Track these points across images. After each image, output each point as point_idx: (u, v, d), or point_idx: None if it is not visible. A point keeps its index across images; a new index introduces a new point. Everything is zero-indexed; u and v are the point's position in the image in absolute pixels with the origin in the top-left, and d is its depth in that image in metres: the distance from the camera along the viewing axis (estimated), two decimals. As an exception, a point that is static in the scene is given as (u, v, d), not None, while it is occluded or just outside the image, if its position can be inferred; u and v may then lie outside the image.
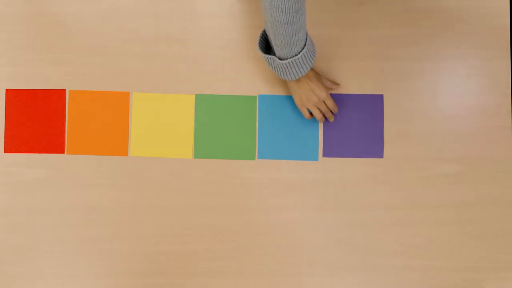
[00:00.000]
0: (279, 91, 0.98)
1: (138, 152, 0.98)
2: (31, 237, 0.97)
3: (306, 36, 0.85)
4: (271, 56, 0.87)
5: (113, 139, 0.98)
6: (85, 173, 0.98)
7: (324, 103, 0.93)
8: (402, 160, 0.97)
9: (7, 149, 0.98)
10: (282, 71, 0.87)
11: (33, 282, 0.97)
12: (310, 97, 0.92)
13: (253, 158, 0.98)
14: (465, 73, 0.98)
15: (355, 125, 0.98)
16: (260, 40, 0.89)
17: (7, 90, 0.98)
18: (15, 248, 0.97)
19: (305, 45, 0.85)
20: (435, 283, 0.96)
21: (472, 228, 0.97)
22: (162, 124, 0.98)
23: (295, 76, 0.87)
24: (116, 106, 0.98)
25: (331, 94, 0.97)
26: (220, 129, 0.98)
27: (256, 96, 0.98)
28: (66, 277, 0.97)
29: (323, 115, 0.95)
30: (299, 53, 0.84)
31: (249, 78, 0.98)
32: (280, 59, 0.86)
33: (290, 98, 0.98)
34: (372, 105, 0.98)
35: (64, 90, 0.98)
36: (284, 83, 0.98)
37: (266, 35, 0.89)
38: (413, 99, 0.98)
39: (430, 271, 0.96)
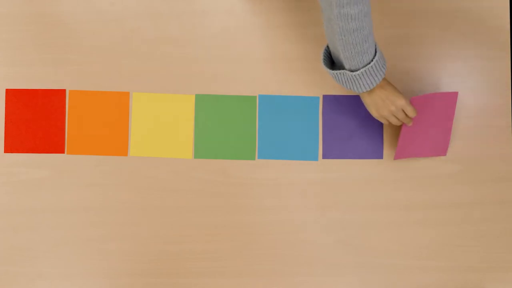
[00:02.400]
0: (279, 91, 0.98)
1: (138, 152, 0.98)
2: (31, 237, 0.97)
3: (375, 42, 0.81)
4: (341, 71, 0.82)
5: (113, 139, 0.98)
6: (85, 173, 0.98)
7: (403, 110, 0.87)
8: (402, 160, 0.97)
9: (7, 149, 0.98)
10: (354, 83, 0.82)
11: (33, 282, 0.97)
12: (387, 106, 0.86)
13: (253, 158, 0.98)
14: (465, 73, 0.98)
15: (354, 126, 0.98)
16: (324, 56, 0.86)
17: (7, 90, 0.98)
18: (15, 248, 0.97)
19: (375, 51, 0.80)
20: (435, 283, 0.96)
21: (472, 228, 0.97)
22: (162, 124, 0.98)
23: (369, 86, 0.82)
24: (116, 106, 0.98)
25: (327, 96, 0.98)
26: (220, 129, 0.98)
27: (256, 96, 0.98)
28: (66, 277, 0.97)
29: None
30: (372, 60, 0.80)
31: (249, 78, 0.98)
32: (351, 71, 0.81)
33: (290, 98, 0.98)
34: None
35: (64, 90, 0.99)
36: (284, 83, 0.98)
37: (329, 50, 0.86)
38: (413, 99, 0.98)
39: (430, 271, 0.96)
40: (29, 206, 0.97)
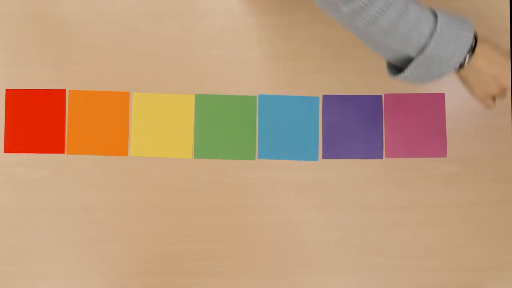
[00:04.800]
0: (279, 91, 0.98)
1: (138, 152, 0.98)
2: (31, 237, 0.97)
3: (425, 8, 0.63)
4: (413, 63, 0.64)
5: (113, 139, 0.98)
6: (85, 173, 0.98)
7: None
8: (402, 160, 0.97)
9: (7, 149, 0.98)
10: (431, 68, 0.63)
11: (32, 282, 0.97)
12: (487, 85, 0.65)
13: (253, 158, 0.98)
14: (465, 73, 0.98)
15: (354, 126, 0.98)
16: (389, 67, 0.72)
17: (7, 90, 0.98)
18: (15, 248, 0.97)
19: (435, 14, 0.63)
20: (435, 283, 0.96)
21: (472, 228, 0.96)
22: (162, 124, 0.98)
23: (459, 55, 0.62)
24: (116, 106, 0.98)
25: (327, 96, 0.98)
26: (220, 129, 0.98)
27: (256, 96, 0.98)
28: (66, 277, 0.97)
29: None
30: (436, 24, 0.62)
31: (249, 78, 0.98)
32: (421, 55, 0.63)
33: (290, 98, 0.98)
34: (372, 106, 0.98)
35: (64, 90, 0.98)
36: (284, 83, 0.98)
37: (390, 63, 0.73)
38: (413, 99, 0.98)
39: (430, 271, 0.96)
40: (29, 206, 0.97)
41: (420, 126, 0.97)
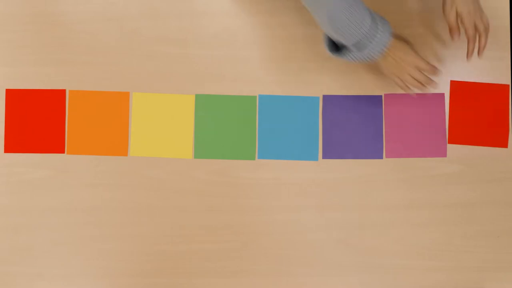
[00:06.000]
0: (279, 91, 0.98)
1: (138, 152, 0.98)
2: (31, 237, 0.97)
3: (367, 8, 0.81)
4: (346, 50, 0.83)
5: (113, 139, 0.98)
6: (85, 173, 0.98)
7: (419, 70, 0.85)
8: (402, 160, 0.97)
9: (7, 149, 0.98)
10: (365, 54, 0.81)
11: (33, 282, 0.97)
12: (401, 67, 0.84)
13: (253, 158, 0.98)
14: (465, 73, 0.98)
15: (354, 126, 0.98)
16: (328, 44, 0.87)
17: (7, 90, 0.98)
18: (15, 248, 0.97)
19: (370, 14, 0.80)
20: (435, 283, 0.96)
21: (472, 228, 0.97)
22: (162, 124, 0.98)
23: (379, 50, 0.81)
24: (116, 106, 0.98)
25: (327, 96, 0.97)
26: (220, 129, 0.98)
27: (256, 96, 0.98)
28: (66, 277, 0.97)
29: (421, 83, 0.86)
30: (369, 25, 0.79)
31: (249, 78, 0.98)
32: (357, 47, 0.81)
33: (290, 98, 0.98)
34: (372, 106, 0.98)
35: (64, 90, 0.99)
36: (284, 83, 0.98)
37: (329, 38, 0.87)
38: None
39: (430, 271, 0.96)
40: (29, 206, 0.97)
41: (420, 126, 0.97)
